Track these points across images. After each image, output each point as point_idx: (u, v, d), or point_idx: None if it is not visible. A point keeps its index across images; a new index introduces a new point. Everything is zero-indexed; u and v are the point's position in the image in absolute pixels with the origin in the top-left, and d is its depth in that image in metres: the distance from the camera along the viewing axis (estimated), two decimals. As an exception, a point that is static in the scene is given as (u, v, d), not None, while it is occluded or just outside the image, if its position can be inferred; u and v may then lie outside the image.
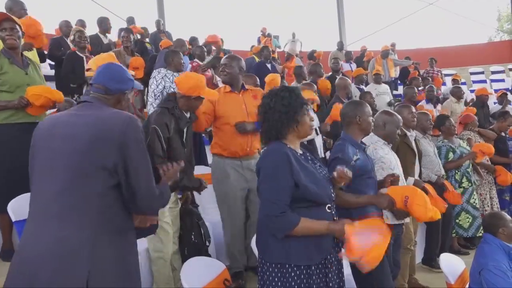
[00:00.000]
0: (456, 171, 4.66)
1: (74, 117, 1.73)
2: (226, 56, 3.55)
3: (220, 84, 4.01)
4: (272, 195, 1.93)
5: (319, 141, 4.69)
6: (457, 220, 4.64)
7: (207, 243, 3.23)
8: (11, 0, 4.51)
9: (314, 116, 4.77)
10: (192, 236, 3.15)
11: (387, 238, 2.02)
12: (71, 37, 5.34)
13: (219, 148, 3.41)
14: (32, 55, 4.32)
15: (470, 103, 7.60)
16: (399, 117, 3.26)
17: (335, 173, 2.13)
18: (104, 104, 1.81)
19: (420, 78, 8.87)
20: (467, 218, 4.62)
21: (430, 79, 9.38)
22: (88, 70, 3.20)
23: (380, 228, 2.04)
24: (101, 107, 1.78)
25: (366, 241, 1.89)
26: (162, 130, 2.84)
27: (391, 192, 2.70)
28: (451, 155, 4.66)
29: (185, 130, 3.06)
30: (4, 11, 4.21)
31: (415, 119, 3.98)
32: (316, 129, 4.51)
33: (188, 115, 3.09)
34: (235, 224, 3.40)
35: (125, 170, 1.66)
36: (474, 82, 11.89)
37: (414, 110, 4.05)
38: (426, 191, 3.86)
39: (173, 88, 4.39)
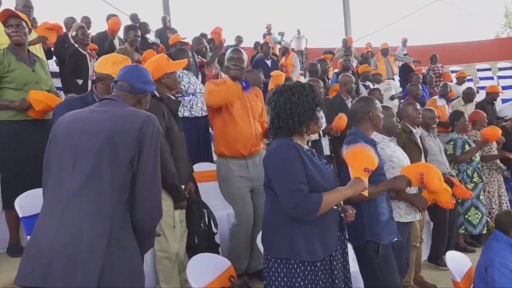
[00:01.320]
0: (468, 166, 4.64)
1: (94, 113, 1.78)
2: (234, 49, 3.47)
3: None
4: (289, 185, 1.94)
5: (325, 141, 4.68)
6: (466, 216, 4.61)
7: (215, 231, 3.23)
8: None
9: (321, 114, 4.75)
10: (202, 224, 3.15)
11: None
12: (73, 33, 5.31)
13: (222, 148, 3.36)
14: (38, 50, 4.36)
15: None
16: (392, 107, 3.28)
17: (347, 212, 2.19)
18: (124, 102, 1.87)
19: (421, 75, 8.75)
20: (477, 214, 4.59)
21: (436, 76, 9.30)
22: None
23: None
24: (121, 105, 1.83)
25: None
26: (158, 119, 2.82)
27: (405, 171, 2.78)
28: (467, 147, 4.64)
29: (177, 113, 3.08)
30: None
31: (420, 115, 3.97)
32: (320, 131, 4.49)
33: (173, 98, 3.09)
34: (247, 224, 3.36)
35: (137, 166, 1.70)
36: (481, 78, 11.81)
37: (418, 107, 4.04)
38: (451, 182, 3.93)
39: (183, 86, 4.40)
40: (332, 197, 1.99)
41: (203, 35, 8.66)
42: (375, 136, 3.06)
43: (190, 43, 6.71)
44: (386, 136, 3.14)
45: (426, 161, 3.97)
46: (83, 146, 1.69)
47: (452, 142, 4.65)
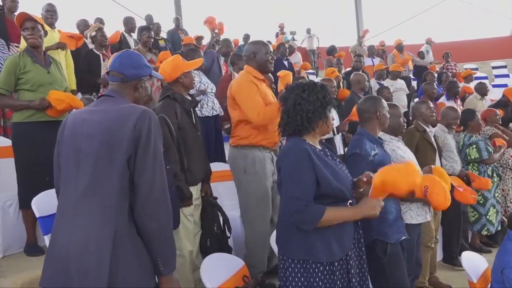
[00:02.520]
0: (488, 167, 4.54)
1: (91, 114, 1.73)
2: (264, 43, 3.39)
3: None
4: (295, 191, 1.93)
5: (337, 139, 4.66)
6: (487, 217, 4.52)
7: (228, 234, 3.23)
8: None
9: (334, 113, 4.74)
10: (215, 228, 3.15)
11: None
12: (92, 33, 5.38)
13: (252, 138, 3.22)
14: (61, 53, 4.46)
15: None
16: (399, 106, 3.22)
17: (363, 178, 2.09)
18: (121, 95, 1.79)
19: (436, 74, 8.65)
20: (494, 213, 4.54)
21: (450, 75, 9.18)
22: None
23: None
24: (117, 101, 1.76)
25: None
26: (170, 118, 2.86)
27: None
28: (490, 148, 4.55)
29: (192, 112, 3.08)
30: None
31: (434, 114, 3.93)
32: (333, 129, 4.46)
33: (189, 97, 3.10)
34: (265, 223, 3.28)
35: (134, 164, 1.63)
36: (496, 76, 11.62)
37: (432, 105, 4.00)
38: (469, 179, 3.92)
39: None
40: (336, 215, 1.95)
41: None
42: (383, 136, 3.04)
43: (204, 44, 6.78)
44: (393, 137, 3.11)
45: (440, 159, 3.93)
46: (84, 150, 1.66)
47: (474, 146, 4.48)
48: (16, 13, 4.87)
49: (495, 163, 4.62)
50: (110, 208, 1.62)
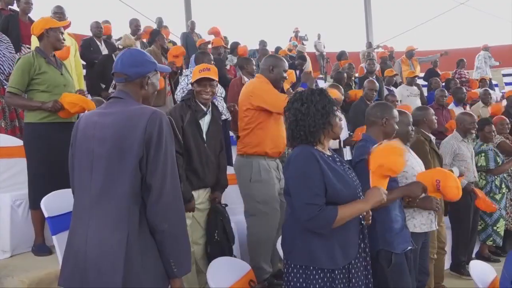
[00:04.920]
0: (496, 177, 4.50)
1: (102, 116, 1.74)
2: (284, 60, 3.43)
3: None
4: (306, 197, 1.92)
5: (346, 149, 4.65)
6: (495, 228, 4.47)
7: (231, 243, 3.22)
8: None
9: (342, 117, 4.73)
10: (215, 235, 3.15)
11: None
12: (124, 43, 5.55)
13: (267, 148, 3.27)
14: (74, 57, 4.52)
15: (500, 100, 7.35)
16: (409, 114, 3.13)
17: None
18: (129, 96, 1.78)
19: (440, 79, 8.56)
20: (504, 225, 4.48)
21: (464, 82, 9.12)
22: None
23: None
24: (126, 102, 1.76)
25: None
26: (176, 121, 2.89)
27: (421, 178, 2.68)
28: (498, 159, 4.51)
29: (206, 124, 3.09)
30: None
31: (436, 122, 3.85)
32: (340, 142, 4.45)
33: (206, 109, 3.10)
34: (271, 228, 3.30)
35: (146, 166, 1.64)
36: (506, 84, 11.52)
37: (432, 112, 3.89)
38: (475, 194, 3.92)
39: None
40: (348, 211, 1.95)
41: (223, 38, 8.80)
42: None
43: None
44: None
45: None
46: (96, 153, 1.68)
47: (483, 154, 4.46)
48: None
49: (505, 174, 4.57)
50: (123, 211, 1.63)
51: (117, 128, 1.67)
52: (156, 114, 1.69)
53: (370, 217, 2.14)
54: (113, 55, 5.33)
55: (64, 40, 3.30)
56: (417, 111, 3.82)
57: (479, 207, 3.96)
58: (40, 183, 3.09)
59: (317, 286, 1.95)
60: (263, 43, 9.55)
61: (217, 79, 3.15)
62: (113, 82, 5.10)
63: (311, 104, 2.02)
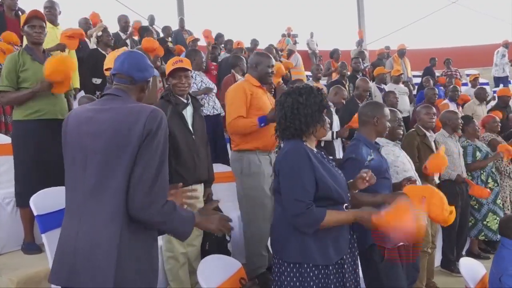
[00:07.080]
0: (482, 172, 4.57)
1: (98, 112, 1.73)
2: (269, 56, 3.44)
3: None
4: (296, 193, 1.93)
5: (337, 143, 4.66)
6: (484, 222, 4.52)
7: (228, 238, 3.23)
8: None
9: (335, 117, 4.74)
10: None
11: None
12: (98, 33, 5.39)
13: (248, 144, 3.28)
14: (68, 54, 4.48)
15: (490, 101, 7.44)
16: (396, 111, 3.21)
17: (364, 174, 2.11)
18: (127, 95, 1.79)
19: (430, 78, 8.67)
20: (495, 219, 4.50)
21: (449, 79, 9.25)
22: (107, 69, 3.22)
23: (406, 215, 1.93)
24: (124, 100, 1.76)
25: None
26: None
27: (408, 191, 2.64)
28: (478, 154, 4.57)
29: (190, 116, 3.08)
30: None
31: (433, 120, 3.95)
32: (333, 133, 4.46)
33: (186, 100, 3.08)
34: (263, 222, 3.27)
35: (140, 161, 1.62)
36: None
37: (433, 111, 4.00)
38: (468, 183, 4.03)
39: (195, 85, 4.41)
40: (335, 217, 1.95)
41: (219, 35, 8.82)
42: (379, 139, 3.03)
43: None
44: (390, 141, 3.10)
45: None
46: (91, 149, 1.67)
47: (463, 150, 4.51)
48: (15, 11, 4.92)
49: (492, 169, 4.61)
50: (116, 206, 1.62)
51: (115, 124, 1.67)
52: (156, 112, 1.71)
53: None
54: (98, 48, 5.26)
55: (40, 32, 3.23)
56: (416, 109, 4.01)
57: (475, 195, 4.07)
58: (28, 180, 3.06)
59: (312, 283, 1.95)
60: (254, 42, 9.54)
61: (191, 69, 3.13)
62: (109, 78, 5.07)
63: (309, 96, 2.05)
